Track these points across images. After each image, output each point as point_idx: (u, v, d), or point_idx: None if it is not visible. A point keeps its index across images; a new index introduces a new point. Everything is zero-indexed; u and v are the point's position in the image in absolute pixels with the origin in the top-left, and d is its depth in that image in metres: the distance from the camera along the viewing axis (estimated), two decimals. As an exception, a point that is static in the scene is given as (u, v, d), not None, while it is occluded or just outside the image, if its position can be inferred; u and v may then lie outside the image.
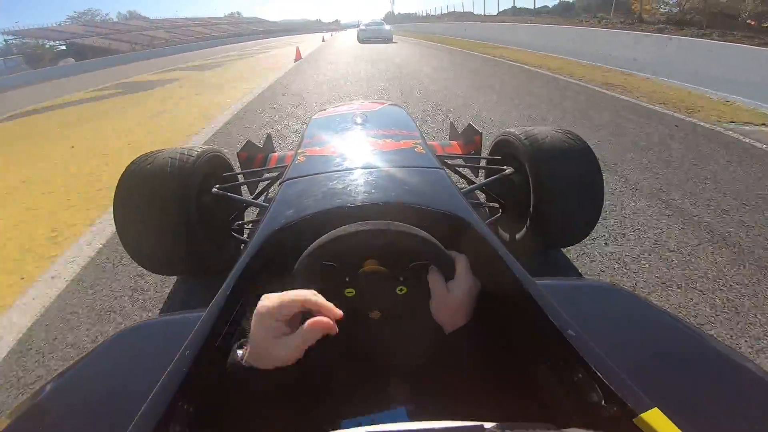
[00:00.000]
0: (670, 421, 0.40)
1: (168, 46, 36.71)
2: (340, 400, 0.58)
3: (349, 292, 0.63)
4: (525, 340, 0.61)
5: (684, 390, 0.55)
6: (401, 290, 0.64)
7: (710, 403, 0.54)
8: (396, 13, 68.97)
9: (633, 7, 17.09)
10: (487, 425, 0.35)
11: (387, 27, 21.60)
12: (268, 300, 0.51)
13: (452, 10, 36.57)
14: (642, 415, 0.41)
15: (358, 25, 24.81)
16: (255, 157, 2.39)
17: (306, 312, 0.50)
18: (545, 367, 0.56)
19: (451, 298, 0.60)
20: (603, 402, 0.46)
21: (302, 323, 0.49)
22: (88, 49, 36.26)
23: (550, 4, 25.55)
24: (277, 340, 0.49)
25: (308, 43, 22.72)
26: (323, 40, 24.39)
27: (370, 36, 20.10)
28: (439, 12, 40.99)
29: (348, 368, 0.62)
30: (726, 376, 0.58)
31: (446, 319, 0.61)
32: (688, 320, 1.44)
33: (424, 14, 48.14)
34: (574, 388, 0.50)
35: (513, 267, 0.64)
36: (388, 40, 19.91)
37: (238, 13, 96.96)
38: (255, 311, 0.51)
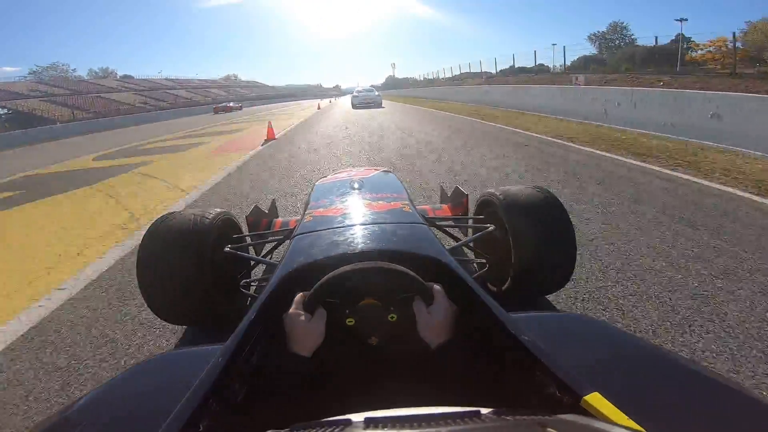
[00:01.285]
0: (609, 403, 0.52)
1: (120, 116, 31.45)
2: (350, 396, 0.69)
3: (350, 321, 0.79)
4: (493, 348, 0.76)
5: (647, 399, 0.63)
6: (392, 317, 0.80)
7: (670, 410, 0.62)
8: (397, 76, 72.89)
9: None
10: (483, 410, 0.44)
11: (377, 93, 25.12)
12: (292, 306, 0.79)
13: (448, 72, 38.78)
14: (585, 397, 0.54)
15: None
16: (260, 221, 2.61)
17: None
18: (510, 367, 0.70)
19: (432, 319, 0.76)
20: (556, 392, 0.59)
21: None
22: (26, 115, 30.21)
23: (557, 63, 26.77)
24: (308, 323, 0.75)
25: (295, 115, 21.52)
26: (318, 108, 24.51)
27: (362, 101, 23.05)
28: (438, 75, 42.88)
29: (353, 381, 0.75)
30: (693, 388, 0.67)
31: (431, 337, 0.75)
32: (654, 341, 1.57)
33: (422, 78, 51.21)
34: (535, 383, 0.63)
35: (479, 293, 0.81)
36: (378, 104, 22.95)
37: (236, 75, 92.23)
38: (285, 315, 0.77)
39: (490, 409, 0.43)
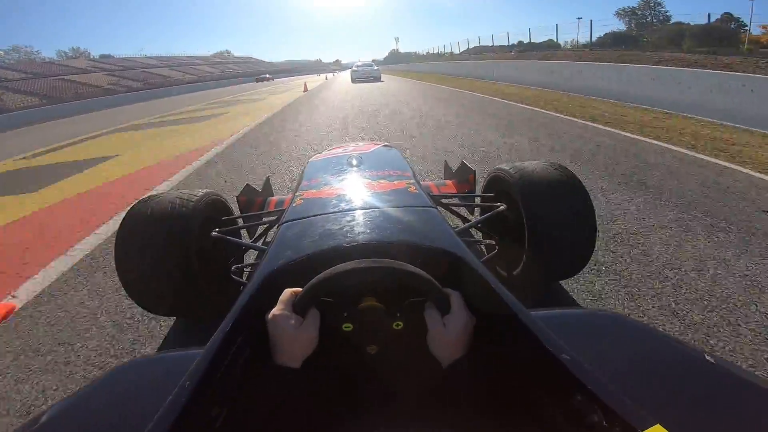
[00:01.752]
0: None
1: (78, 101, 27.09)
2: (343, 420, 0.59)
3: (347, 327, 0.65)
4: (522, 367, 0.62)
5: (688, 410, 0.55)
6: (397, 325, 0.65)
7: (715, 423, 0.53)
8: (401, 51, 71.96)
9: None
10: None
11: (375, 68, 26.03)
12: (276, 308, 0.64)
13: (453, 47, 36.47)
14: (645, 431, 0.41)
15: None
16: (254, 200, 2.44)
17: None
18: (544, 392, 0.56)
19: (447, 332, 0.62)
20: (604, 422, 0.46)
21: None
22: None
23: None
24: (297, 328, 0.62)
25: (283, 95, 18.05)
26: (305, 90, 19.11)
27: (361, 75, 24.02)
28: (443, 49, 41.58)
29: (348, 401, 0.63)
30: (730, 395, 0.58)
31: (443, 353, 0.62)
32: (692, 343, 1.45)
33: (424, 53, 50.47)
34: (574, 411, 0.50)
35: (506, 298, 0.66)
36: (377, 78, 23.69)
37: (228, 51, 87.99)
38: (268, 318, 0.63)
39: None
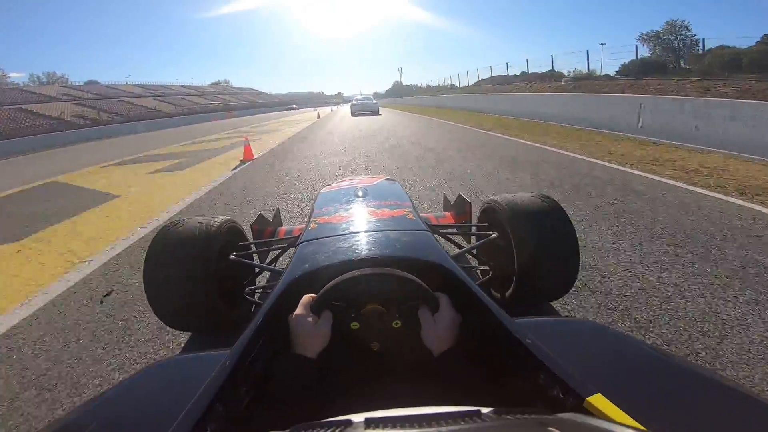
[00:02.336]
0: (612, 404, 0.53)
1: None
2: (351, 398, 0.70)
3: (354, 325, 0.81)
4: (497, 354, 0.77)
5: (662, 410, 0.62)
6: (396, 324, 0.81)
7: (679, 413, 0.62)
8: (405, 83, 71.82)
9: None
10: (483, 410, 0.44)
11: (374, 101, 27.43)
12: (297, 309, 0.80)
13: (461, 78, 34.55)
14: (588, 398, 0.55)
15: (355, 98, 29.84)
16: (265, 229, 2.63)
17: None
18: (516, 372, 0.71)
19: (437, 327, 0.77)
20: (560, 394, 0.60)
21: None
22: None
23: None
24: (314, 325, 0.77)
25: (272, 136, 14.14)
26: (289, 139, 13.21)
27: (360, 109, 25.27)
28: (447, 81, 40.59)
29: (356, 385, 0.76)
30: (696, 391, 0.67)
31: (434, 345, 0.76)
32: (667, 349, 1.55)
33: (425, 86, 50.43)
34: (539, 386, 0.64)
35: (484, 299, 0.82)
36: (375, 112, 24.79)
37: (226, 81, 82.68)
38: (290, 317, 0.79)
39: (490, 409, 0.43)
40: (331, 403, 0.69)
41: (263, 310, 0.87)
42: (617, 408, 0.52)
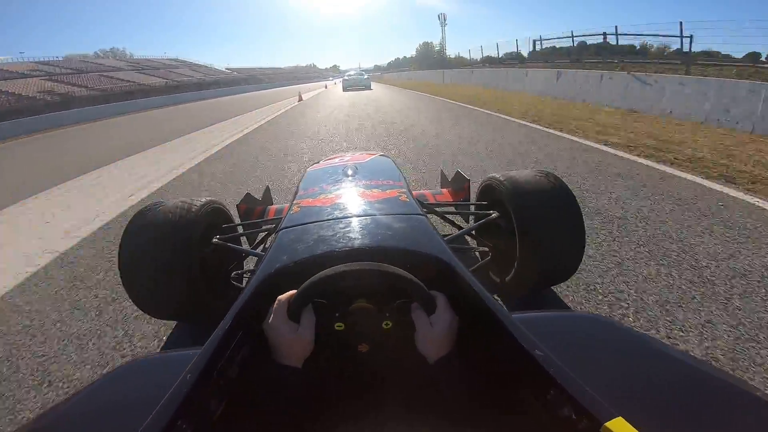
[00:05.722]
0: (633, 429, 0.44)
1: None
2: (337, 416, 0.62)
3: (339, 326, 0.70)
4: (500, 364, 0.66)
5: (667, 410, 0.57)
6: (387, 325, 0.70)
7: (690, 419, 0.56)
8: (402, 57, 68.13)
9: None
10: None
11: (365, 77, 27.96)
12: (271, 316, 0.69)
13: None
14: (606, 423, 0.45)
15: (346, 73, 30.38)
16: (253, 209, 2.50)
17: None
18: (519, 387, 0.61)
19: (433, 331, 0.66)
20: (573, 415, 0.50)
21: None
22: None
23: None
24: (292, 335, 0.66)
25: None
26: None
27: (352, 84, 25.90)
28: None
29: (341, 395, 0.67)
30: (707, 394, 0.61)
31: (430, 350, 0.66)
32: (674, 346, 1.47)
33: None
34: (547, 404, 0.54)
35: (487, 300, 0.71)
36: (367, 87, 25.51)
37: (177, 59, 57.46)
38: (265, 326, 0.68)
39: None
40: (315, 419, 0.61)
41: (236, 307, 0.77)
42: None
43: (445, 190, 2.71)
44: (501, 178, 1.76)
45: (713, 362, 1.48)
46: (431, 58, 46.77)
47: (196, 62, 62.44)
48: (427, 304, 0.69)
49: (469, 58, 30.37)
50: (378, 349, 0.72)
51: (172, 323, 1.92)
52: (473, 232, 1.90)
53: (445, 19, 47.17)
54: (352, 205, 1.30)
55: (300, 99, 18.72)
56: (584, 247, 1.64)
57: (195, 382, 0.57)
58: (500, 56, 23.70)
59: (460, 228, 2.06)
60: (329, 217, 1.20)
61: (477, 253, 2.02)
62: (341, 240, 0.99)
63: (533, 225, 1.57)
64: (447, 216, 2.08)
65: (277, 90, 40.87)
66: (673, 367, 0.67)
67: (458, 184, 2.54)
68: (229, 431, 0.60)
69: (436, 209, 1.97)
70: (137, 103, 28.36)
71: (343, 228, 1.08)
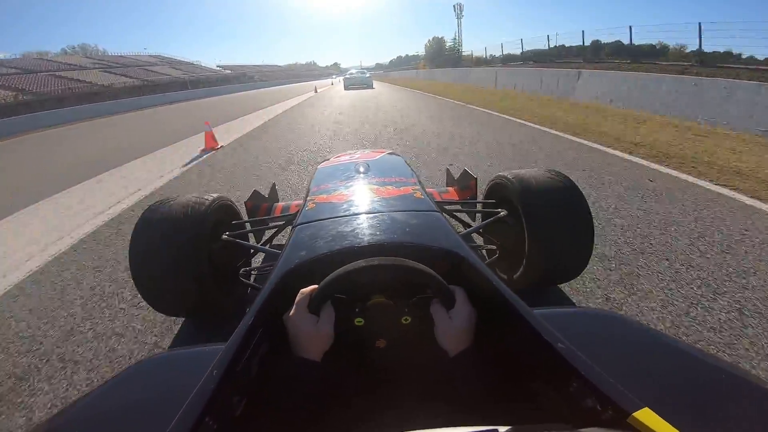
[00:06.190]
0: (661, 419, 0.44)
1: None
2: (356, 409, 0.63)
3: (359, 321, 0.71)
4: (521, 356, 0.67)
5: (684, 406, 0.57)
6: (406, 320, 0.71)
7: (710, 414, 0.56)
8: (405, 55, 67.06)
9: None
10: (501, 429, 0.39)
11: (367, 75, 27.35)
12: (293, 308, 0.70)
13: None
14: (634, 414, 0.46)
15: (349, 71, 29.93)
16: (260, 206, 2.51)
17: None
18: (542, 379, 0.61)
19: (453, 325, 0.67)
20: (598, 406, 0.51)
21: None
22: None
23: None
24: (312, 329, 0.67)
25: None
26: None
27: (354, 83, 25.32)
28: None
29: (361, 389, 0.68)
30: (724, 389, 0.61)
31: (450, 345, 0.67)
32: (687, 341, 1.47)
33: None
34: (570, 396, 0.55)
35: (505, 293, 0.71)
36: (369, 86, 24.87)
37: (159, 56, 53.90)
38: (286, 319, 0.69)
39: (508, 427, 0.39)
40: (333, 414, 0.62)
41: (257, 304, 0.77)
42: (669, 426, 0.43)
43: (451, 189, 2.71)
44: (510, 177, 1.76)
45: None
46: (443, 55, 41.99)
47: (180, 59, 58.02)
48: (447, 299, 0.70)
49: (485, 56, 27.91)
50: (396, 345, 0.73)
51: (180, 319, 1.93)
52: (480, 230, 1.90)
53: (461, 10, 42.93)
54: (367, 202, 1.30)
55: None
56: (593, 246, 1.65)
57: (221, 379, 0.58)
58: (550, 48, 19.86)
59: (467, 226, 2.07)
60: (345, 213, 1.20)
61: (484, 252, 2.02)
62: (359, 236, 1.00)
63: (542, 223, 1.58)
64: (455, 214, 2.08)
65: (267, 90, 35.87)
66: (686, 362, 0.68)
67: (465, 182, 2.55)
68: (249, 426, 0.61)
69: (445, 207, 1.97)
70: (79, 110, 21.44)
71: (360, 224, 1.08)
